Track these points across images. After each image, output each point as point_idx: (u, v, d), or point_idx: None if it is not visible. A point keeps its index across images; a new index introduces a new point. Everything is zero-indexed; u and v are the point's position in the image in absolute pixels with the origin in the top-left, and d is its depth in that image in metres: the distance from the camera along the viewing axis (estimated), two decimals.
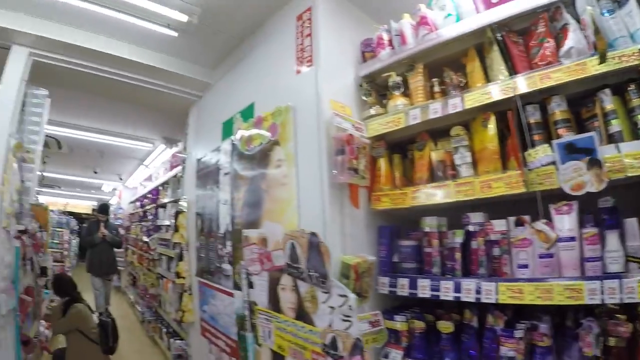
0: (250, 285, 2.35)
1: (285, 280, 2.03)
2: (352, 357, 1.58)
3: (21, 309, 3.30)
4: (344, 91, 2.27)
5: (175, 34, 3.07)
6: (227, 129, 3.16)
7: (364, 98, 2.32)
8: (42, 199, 9.22)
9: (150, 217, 7.08)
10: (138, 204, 8.68)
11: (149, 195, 7.56)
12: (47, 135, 6.10)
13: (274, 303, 2.14)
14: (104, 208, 6.88)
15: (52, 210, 10.43)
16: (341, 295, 1.66)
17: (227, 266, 2.98)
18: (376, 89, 2.35)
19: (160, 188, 6.58)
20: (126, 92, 3.92)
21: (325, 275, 1.73)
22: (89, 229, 6.79)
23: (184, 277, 3.83)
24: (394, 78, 2.18)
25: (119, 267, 7.94)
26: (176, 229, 4.06)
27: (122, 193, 11.46)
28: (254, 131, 2.63)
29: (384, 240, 2.14)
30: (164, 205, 5.92)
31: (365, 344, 1.65)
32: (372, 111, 2.26)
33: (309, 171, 2.10)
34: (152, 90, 3.74)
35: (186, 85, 3.78)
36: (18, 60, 3.01)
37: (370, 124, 2.20)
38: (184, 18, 2.85)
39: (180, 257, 3.95)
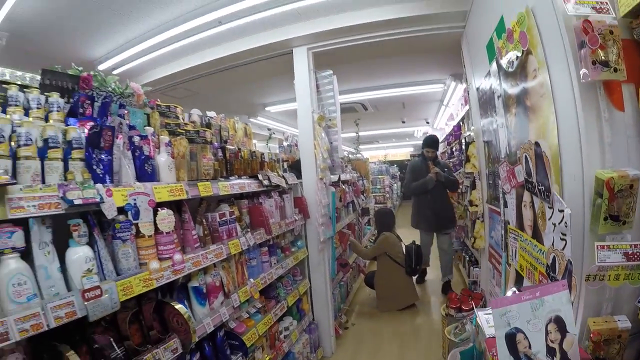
0: (505, 204, 2.37)
1: (526, 196, 1.91)
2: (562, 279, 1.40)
3: (341, 239, 4.44)
4: None
5: None
6: (490, 51, 3.05)
7: None
8: (366, 154, 11.32)
9: (456, 154, 7.27)
10: (445, 142, 9.14)
11: (453, 133, 7.64)
12: (351, 103, 7.51)
13: (519, 221, 2.06)
14: (430, 141, 5.36)
15: (372, 162, 12.66)
16: (560, 211, 1.49)
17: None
18: None
19: (461, 124, 6.46)
20: (397, 46, 4.28)
21: (548, 188, 1.56)
22: (412, 171, 5.34)
23: (476, 205, 3.95)
24: None
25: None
26: (467, 159, 4.14)
27: None
28: (509, 46, 2.54)
29: None
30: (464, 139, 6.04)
31: (610, 280, 1.46)
32: None
33: (560, 75, 1.80)
34: (419, 36, 3.90)
35: (445, 21, 3.77)
36: (301, 58, 3.96)
37: None
38: None
39: (473, 186, 4.08)
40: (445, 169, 5.22)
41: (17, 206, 1.30)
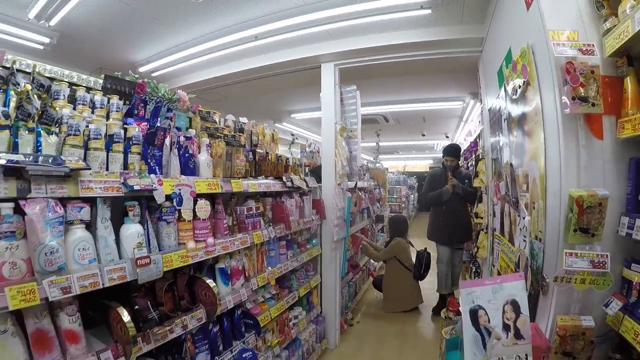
0: (494, 214, 2.64)
1: (506, 207, 2.22)
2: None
3: (353, 242, 4.71)
4: (570, 14, 2.02)
5: (428, 11, 3.47)
6: (500, 77, 3.28)
7: (599, 12, 2.03)
8: (386, 164, 11.55)
9: (471, 169, 7.45)
10: (463, 157, 9.24)
11: (470, 149, 7.93)
12: (373, 114, 7.78)
13: (502, 228, 2.35)
14: (450, 149, 5.17)
15: (391, 172, 12.87)
16: (523, 218, 1.79)
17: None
18: None
19: (478, 140, 6.83)
20: (419, 66, 4.54)
21: (517, 201, 1.87)
22: (430, 181, 5.18)
23: (481, 217, 4.14)
24: None
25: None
26: (476, 174, 4.37)
27: None
28: (514, 75, 2.78)
29: (631, 174, 1.80)
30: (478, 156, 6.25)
31: (576, 283, 1.63)
32: (607, 24, 1.89)
33: (549, 106, 2.05)
34: (440, 58, 4.17)
35: (464, 45, 4.00)
36: (328, 73, 4.29)
37: (607, 40, 1.90)
38: None
39: (480, 199, 4.30)
40: (466, 181, 4.96)
41: (87, 187, 1.62)
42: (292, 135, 6.34)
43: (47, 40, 4.18)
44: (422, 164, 17.72)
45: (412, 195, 13.39)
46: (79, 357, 1.52)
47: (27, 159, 1.41)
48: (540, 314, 1.92)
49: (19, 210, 1.39)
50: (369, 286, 6.20)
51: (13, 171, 1.37)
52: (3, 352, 1.32)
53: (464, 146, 8.68)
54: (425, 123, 9.35)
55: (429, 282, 5.92)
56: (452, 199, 4.88)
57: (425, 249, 5.29)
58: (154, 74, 5.14)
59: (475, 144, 6.78)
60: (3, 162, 1.31)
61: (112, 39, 4.33)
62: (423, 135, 11.06)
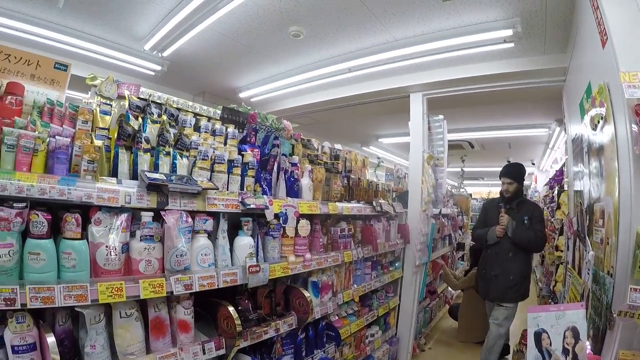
0: (568, 247, 2.58)
1: (577, 241, 2.20)
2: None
3: (433, 268, 4.68)
4: None
5: (511, 44, 3.46)
6: (582, 109, 3.18)
7: None
8: (470, 189, 11.18)
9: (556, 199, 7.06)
10: (547, 186, 8.75)
11: (556, 177, 7.49)
12: (458, 140, 7.66)
13: (573, 262, 2.33)
14: (509, 169, 3.99)
15: (475, 199, 12.35)
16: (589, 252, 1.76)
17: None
18: None
19: (564, 169, 6.48)
20: (503, 95, 4.46)
21: (585, 236, 1.84)
22: (483, 213, 4.11)
23: (561, 251, 3.92)
24: None
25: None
26: (558, 206, 4.20)
27: (537, 177, 11.66)
28: (593, 110, 2.70)
29: None
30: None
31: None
32: None
33: (622, 144, 1.98)
34: (523, 88, 4.09)
35: (546, 75, 3.90)
36: (417, 102, 4.38)
37: None
38: (509, 32, 3.25)
39: (561, 232, 4.05)
40: (526, 219, 3.55)
41: (212, 203, 1.89)
42: (378, 158, 6.48)
43: (158, 67, 4.70)
44: None
45: None
46: (187, 344, 1.76)
47: (167, 178, 1.70)
48: (606, 348, 1.87)
49: (155, 219, 1.68)
50: (445, 314, 6.02)
51: (155, 187, 1.65)
52: (126, 332, 1.57)
53: (550, 174, 8.19)
54: (510, 149, 8.95)
55: None
56: (503, 241, 3.62)
57: None
58: (252, 99, 5.63)
59: (561, 172, 6.38)
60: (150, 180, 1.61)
61: (217, 67, 4.84)
62: (508, 161, 10.42)
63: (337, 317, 2.96)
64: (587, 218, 3.01)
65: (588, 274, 1.89)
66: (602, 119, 2.44)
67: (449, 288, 6.23)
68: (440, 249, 5.52)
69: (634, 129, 1.86)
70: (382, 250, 3.46)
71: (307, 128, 6.72)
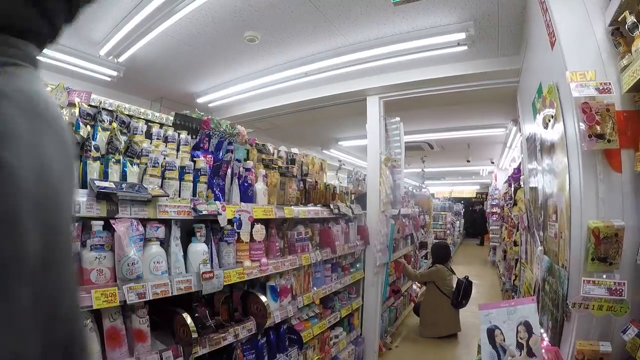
0: (521, 243, 2.73)
1: (528, 236, 2.35)
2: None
3: (396, 268, 4.80)
4: (590, 53, 2.10)
5: (465, 47, 3.61)
6: (534, 108, 3.37)
7: (617, 50, 2.03)
8: (432, 189, 11.53)
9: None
10: (506, 184, 9.10)
11: (513, 175, 7.79)
12: (418, 142, 7.89)
13: (526, 256, 2.47)
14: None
15: (437, 198, 12.77)
16: (537, 247, 1.90)
17: (540, 233, 3.29)
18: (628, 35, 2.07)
19: (521, 167, 6.72)
20: (460, 96, 4.63)
21: (534, 232, 1.98)
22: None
23: (518, 246, 4.08)
24: (629, 18, 1.91)
25: None
26: (515, 202, 4.42)
27: (497, 175, 12.12)
28: (544, 109, 2.84)
29: None
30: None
31: (594, 309, 1.70)
32: (624, 62, 1.98)
33: (571, 141, 2.11)
34: (478, 89, 4.27)
35: (501, 77, 4.07)
36: (373, 105, 4.51)
37: (623, 77, 1.94)
38: (462, 35, 3.41)
39: (518, 227, 4.25)
40: None
41: (163, 210, 1.90)
42: (340, 161, 6.57)
43: (114, 73, 4.59)
44: (469, 189, 17.41)
45: (458, 222, 13.17)
46: (144, 354, 1.75)
47: (117, 186, 1.71)
48: (564, 340, 1.98)
49: (106, 228, 1.68)
50: (410, 312, 6.18)
51: (104, 195, 1.65)
52: None
53: (509, 172, 8.56)
54: (470, 149, 9.30)
55: (472, 311, 5.87)
56: None
57: (467, 277, 5.25)
58: (210, 105, 5.61)
59: (518, 170, 6.69)
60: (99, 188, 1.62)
61: (173, 73, 4.80)
62: (468, 161, 10.96)
63: (298, 321, 3.01)
64: (542, 213, 3.21)
65: (538, 268, 2.00)
66: (552, 117, 2.61)
67: (414, 286, 6.39)
68: (403, 249, 5.66)
69: (581, 127, 1.97)
70: (342, 252, 3.54)
71: (266, 133, 6.74)
